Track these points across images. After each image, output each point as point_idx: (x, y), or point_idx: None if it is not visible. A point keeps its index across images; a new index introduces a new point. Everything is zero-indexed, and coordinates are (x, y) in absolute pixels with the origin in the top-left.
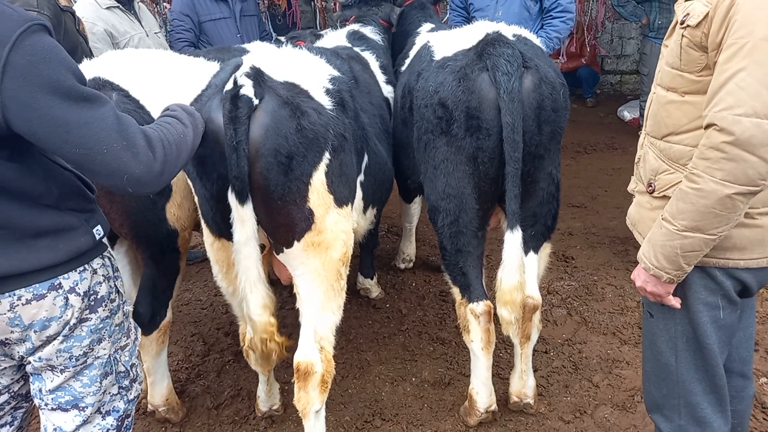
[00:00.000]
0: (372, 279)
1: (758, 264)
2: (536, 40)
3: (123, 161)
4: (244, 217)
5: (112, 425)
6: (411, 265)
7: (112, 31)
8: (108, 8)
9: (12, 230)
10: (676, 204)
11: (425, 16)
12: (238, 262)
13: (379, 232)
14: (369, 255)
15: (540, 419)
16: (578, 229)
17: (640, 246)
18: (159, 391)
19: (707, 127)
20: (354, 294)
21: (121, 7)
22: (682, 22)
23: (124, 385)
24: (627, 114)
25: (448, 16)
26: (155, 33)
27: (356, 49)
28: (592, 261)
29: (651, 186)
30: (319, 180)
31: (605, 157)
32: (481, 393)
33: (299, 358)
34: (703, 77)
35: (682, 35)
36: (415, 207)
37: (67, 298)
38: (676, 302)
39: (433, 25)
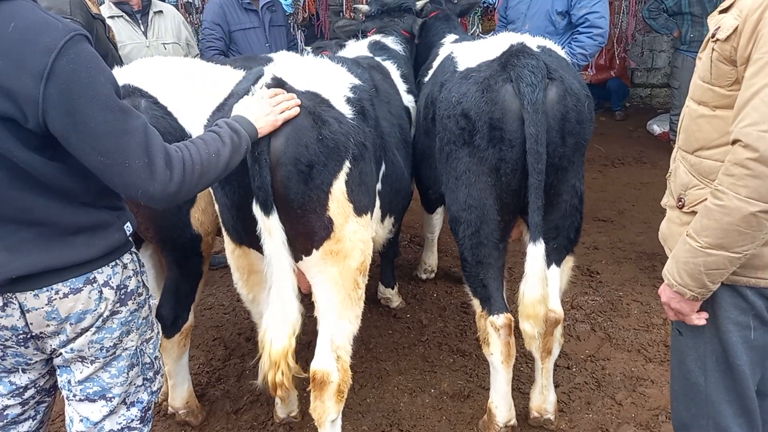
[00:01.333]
0: (393, 288)
1: None
2: (561, 52)
3: (141, 178)
4: (271, 228)
5: (136, 416)
6: (433, 275)
7: None
8: (111, 17)
9: (53, 227)
10: (700, 220)
11: (449, 27)
12: (269, 276)
13: (400, 241)
14: (389, 264)
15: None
16: (604, 244)
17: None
18: (179, 393)
19: (733, 142)
20: (375, 303)
21: (125, 16)
22: (713, 36)
23: (148, 377)
24: (657, 128)
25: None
26: (163, 43)
27: (377, 58)
28: (617, 276)
29: (681, 201)
30: (339, 189)
31: (633, 171)
32: (501, 407)
33: (315, 366)
34: (733, 92)
35: (713, 49)
36: (437, 217)
37: (101, 292)
38: (699, 321)
39: (457, 36)
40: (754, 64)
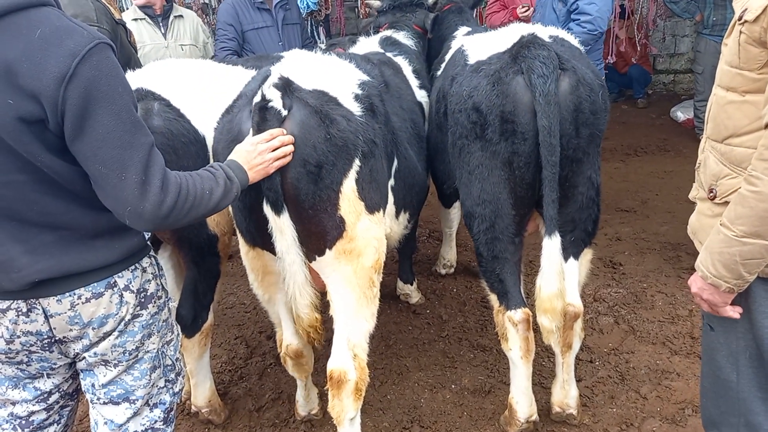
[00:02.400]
0: (412, 284)
1: None
2: (574, 41)
3: (133, 194)
4: (282, 227)
5: (159, 417)
6: (452, 270)
7: None
8: (134, 20)
9: (74, 230)
10: (734, 208)
11: (462, 20)
12: (283, 269)
13: (418, 237)
14: (407, 260)
15: (584, 430)
16: (627, 235)
17: (692, 252)
18: (202, 392)
19: (766, 126)
20: (394, 299)
21: (147, 19)
22: (740, 18)
23: (170, 378)
24: (680, 115)
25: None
26: (180, 45)
27: (389, 54)
28: (641, 267)
29: (712, 192)
30: (349, 187)
31: (657, 159)
32: (521, 402)
33: (332, 365)
34: (763, 74)
35: (740, 31)
36: (455, 212)
37: (122, 296)
38: (734, 313)
39: (469, 29)
40: None
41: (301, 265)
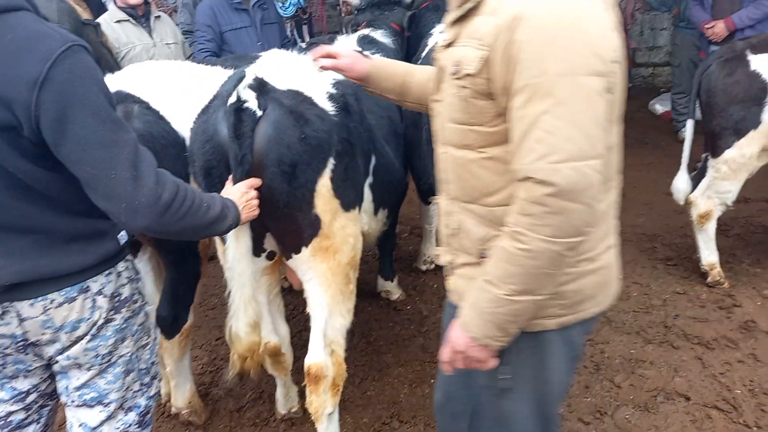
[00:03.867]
0: (392, 281)
1: (601, 309)
2: None
3: (126, 190)
4: (238, 232)
5: (134, 420)
6: (432, 266)
7: (113, 42)
8: (118, 21)
9: (49, 234)
10: (501, 266)
11: (439, 17)
12: (230, 279)
13: (399, 233)
14: (388, 257)
15: (558, 420)
16: None
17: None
18: (182, 393)
19: (523, 179)
20: (375, 296)
21: (131, 20)
22: (455, 73)
23: (145, 382)
24: (659, 107)
25: None
26: (166, 44)
27: (366, 52)
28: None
29: (484, 256)
30: (324, 186)
31: (635, 152)
32: None
33: (309, 361)
34: (496, 126)
35: (462, 86)
36: (434, 208)
37: (95, 300)
38: (495, 361)
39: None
40: (521, 94)
41: (250, 277)
